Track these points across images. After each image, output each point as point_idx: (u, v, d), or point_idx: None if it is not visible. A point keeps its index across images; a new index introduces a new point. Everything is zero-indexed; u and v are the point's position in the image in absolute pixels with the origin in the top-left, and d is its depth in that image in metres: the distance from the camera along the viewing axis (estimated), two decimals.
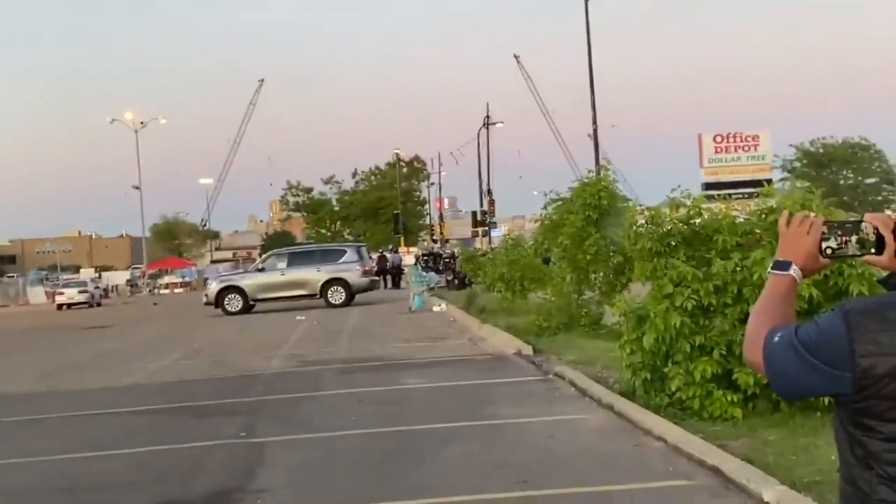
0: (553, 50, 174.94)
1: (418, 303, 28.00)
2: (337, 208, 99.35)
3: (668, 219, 9.91)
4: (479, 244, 55.63)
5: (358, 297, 32.36)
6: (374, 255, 47.82)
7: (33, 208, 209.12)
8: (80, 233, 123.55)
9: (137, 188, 73.59)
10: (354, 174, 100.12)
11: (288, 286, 31.84)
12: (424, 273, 32.47)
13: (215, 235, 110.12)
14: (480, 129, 63.13)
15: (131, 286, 72.78)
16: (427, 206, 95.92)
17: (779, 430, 7.76)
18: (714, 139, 52.80)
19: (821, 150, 76.90)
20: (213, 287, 32.90)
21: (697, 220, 9.69)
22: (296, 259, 33.25)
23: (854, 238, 2.05)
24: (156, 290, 67.91)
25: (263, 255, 38.95)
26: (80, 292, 51.63)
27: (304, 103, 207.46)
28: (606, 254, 16.58)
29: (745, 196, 29.80)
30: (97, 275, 74.22)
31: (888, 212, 2.13)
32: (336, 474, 7.98)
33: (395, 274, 47.64)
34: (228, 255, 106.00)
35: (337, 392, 12.59)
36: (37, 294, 64.17)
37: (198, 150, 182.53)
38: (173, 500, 7.54)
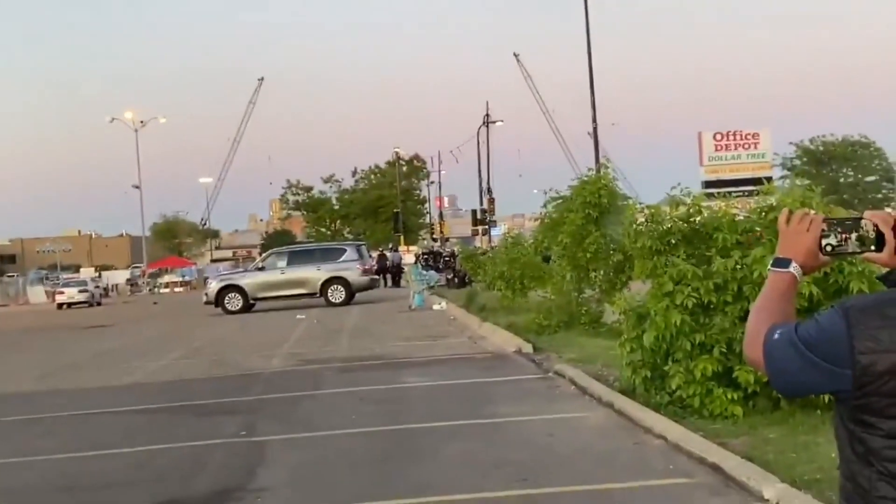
0: (553, 49, 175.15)
1: (418, 301, 28.01)
2: (337, 207, 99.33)
3: (669, 217, 9.91)
4: (479, 243, 55.62)
5: (358, 296, 32.36)
6: (374, 254, 47.82)
7: (33, 208, 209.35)
8: (79, 232, 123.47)
9: (137, 187, 73.65)
10: (354, 173, 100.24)
11: (288, 285, 31.84)
12: (424, 271, 32.47)
13: (215, 234, 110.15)
14: (480, 128, 63.12)
15: (131, 285, 72.78)
16: (427, 205, 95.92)
17: (779, 427, 7.76)
18: (714, 137, 52.73)
19: (821, 148, 76.95)
20: (213, 286, 32.89)
21: (697, 218, 9.69)
22: (296, 258, 33.25)
23: (854, 235, 2.05)
24: (156, 290, 67.91)
25: (263, 254, 38.95)
26: (81, 292, 51.65)
27: (303, 102, 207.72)
28: (606, 252, 16.58)
29: (745, 194, 29.81)
30: (97, 274, 74.25)
31: (888, 209, 2.13)
32: (336, 473, 7.98)
33: (395, 273, 47.64)
34: (228, 254, 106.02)
35: (337, 391, 12.58)
36: (37, 293, 64.18)
37: (197, 150, 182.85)
38: (174, 499, 7.54)
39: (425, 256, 50.73)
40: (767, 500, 6.07)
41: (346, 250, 33.82)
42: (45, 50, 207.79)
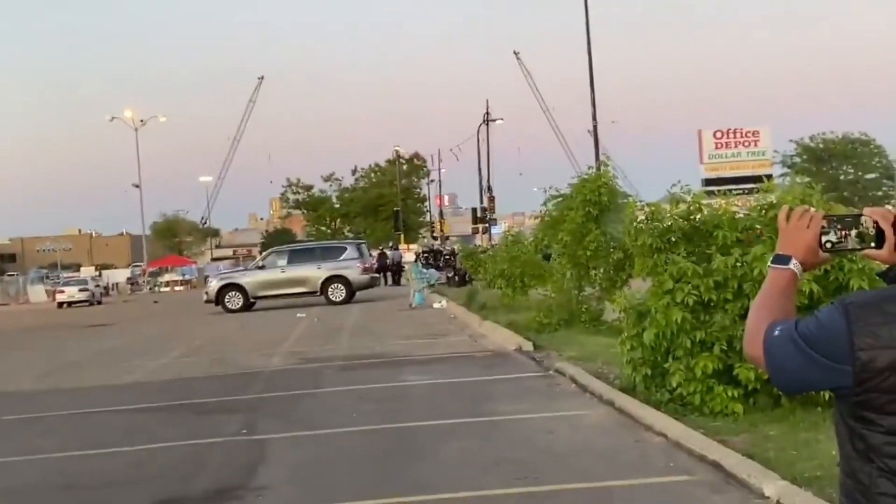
0: (553, 48, 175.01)
1: (419, 300, 28.01)
2: (337, 205, 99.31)
3: (669, 215, 9.90)
4: (480, 241, 55.60)
5: (358, 295, 32.36)
6: (375, 253, 47.82)
7: (33, 207, 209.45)
8: (80, 231, 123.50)
9: (137, 186, 73.58)
10: (354, 171, 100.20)
11: (288, 283, 31.83)
12: (425, 270, 32.49)
13: (215, 233, 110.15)
14: (480, 126, 63.14)
15: (132, 284, 72.76)
16: (427, 203, 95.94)
17: (779, 425, 7.76)
18: (714, 135, 52.72)
19: (821, 146, 76.92)
20: (214, 285, 32.90)
21: (698, 216, 9.68)
22: (296, 256, 33.25)
23: (854, 232, 2.05)
24: (156, 289, 67.91)
25: (264, 253, 38.95)
26: (81, 291, 51.61)
27: (303, 102, 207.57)
28: (606, 250, 16.58)
29: (745, 192, 29.77)
30: (97, 273, 74.22)
31: (888, 206, 2.13)
32: (337, 471, 7.98)
33: (395, 271, 47.65)
34: (229, 252, 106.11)
35: (337, 389, 12.59)
36: (37, 292, 64.15)
37: (198, 149, 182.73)
38: (174, 497, 7.54)
39: (425, 255, 50.72)
40: (768, 498, 6.07)
41: (346, 249, 33.83)
42: (45, 50, 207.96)
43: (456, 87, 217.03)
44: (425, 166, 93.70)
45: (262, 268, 32.92)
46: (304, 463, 8.41)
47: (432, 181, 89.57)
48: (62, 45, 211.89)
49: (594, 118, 36.35)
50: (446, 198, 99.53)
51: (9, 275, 79.07)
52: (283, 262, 32.68)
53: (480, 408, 10.33)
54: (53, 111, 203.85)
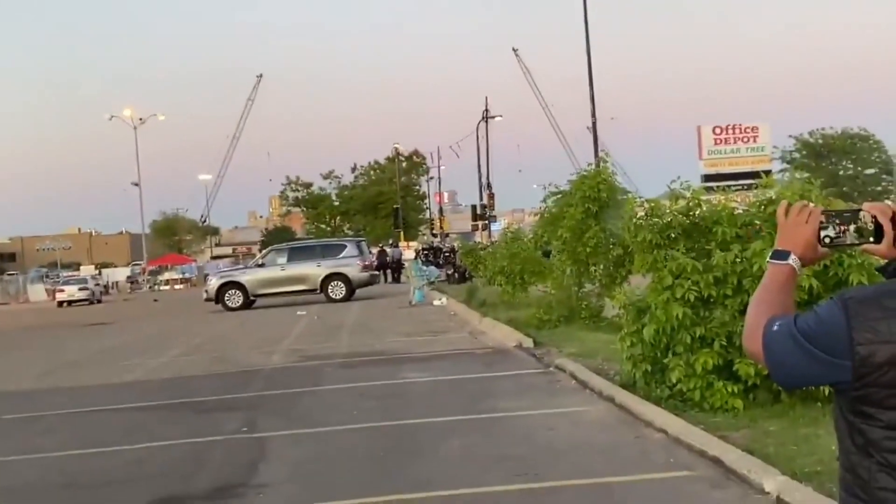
0: (552, 46, 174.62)
1: (419, 297, 28.02)
2: (336, 203, 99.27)
3: (668, 211, 9.90)
4: (479, 238, 55.55)
5: (358, 292, 32.36)
6: (374, 250, 47.81)
7: (33, 206, 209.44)
8: (79, 230, 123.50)
9: (137, 185, 73.49)
10: (354, 169, 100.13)
11: (288, 281, 31.83)
12: (424, 267, 32.51)
13: (215, 231, 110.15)
14: (479, 123, 63.11)
15: (131, 283, 72.79)
16: (427, 201, 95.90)
17: (779, 420, 7.76)
18: (713, 131, 52.64)
19: (820, 141, 76.89)
20: (214, 283, 32.90)
21: (697, 212, 9.68)
22: (296, 254, 33.25)
23: (852, 227, 2.05)
24: (156, 287, 67.91)
25: (263, 251, 38.94)
26: (81, 289, 51.60)
27: (302, 99, 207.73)
28: (606, 246, 16.57)
29: (745, 187, 29.77)
30: (97, 272, 74.24)
31: (887, 201, 2.13)
32: (337, 468, 7.98)
33: (395, 268, 47.67)
34: (228, 250, 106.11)
35: (338, 387, 12.59)
36: (37, 292, 64.16)
37: (197, 147, 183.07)
38: (174, 496, 7.54)
39: (425, 252, 50.72)
40: (768, 493, 6.07)
41: (346, 246, 33.83)
42: (45, 50, 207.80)
43: (455, 86, 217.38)
44: (425, 163, 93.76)
45: (261, 266, 32.94)
46: (305, 460, 8.41)
47: (432, 178, 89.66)
48: (62, 45, 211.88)
49: (593, 115, 36.37)
50: (446, 195, 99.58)
51: (9, 274, 79.08)
52: (282, 259, 32.67)
53: (481, 405, 10.33)
54: (53, 111, 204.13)
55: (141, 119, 72.77)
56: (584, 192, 16.75)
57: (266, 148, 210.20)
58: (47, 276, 74.36)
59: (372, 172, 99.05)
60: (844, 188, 68.65)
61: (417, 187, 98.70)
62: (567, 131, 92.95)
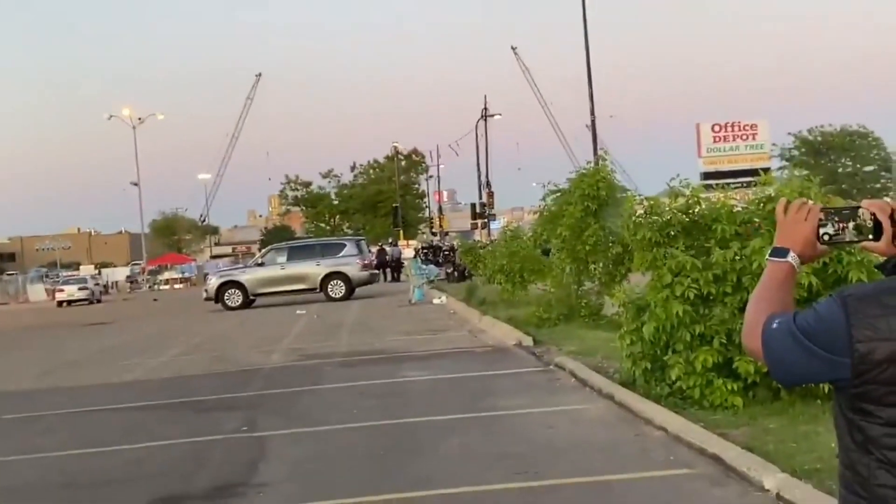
0: (550, 44, 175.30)
1: (418, 295, 28.02)
2: (336, 202, 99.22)
3: (668, 209, 9.90)
4: (479, 236, 55.56)
5: (358, 291, 32.37)
6: (374, 249, 47.81)
7: (32, 206, 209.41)
8: (79, 230, 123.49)
9: (136, 185, 73.45)
10: (353, 168, 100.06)
11: (288, 280, 31.83)
12: (424, 266, 32.52)
13: (214, 231, 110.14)
14: (478, 122, 63.11)
15: (131, 282, 72.78)
16: (426, 199, 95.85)
17: (779, 418, 7.76)
18: (712, 128, 52.60)
19: (819, 139, 76.87)
20: (213, 282, 32.90)
21: (696, 210, 9.68)
22: (295, 253, 33.24)
23: (851, 224, 2.05)
24: (155, 287, 67.89)
25: (263, 250, 38.94)
26: (80, 289, 51.58)
27: (301, 99, 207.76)
28: (605, 244, 16.57)
29: (744, 185, 29.75)
30: (97, 271, 74.22)
31: (886, 199, 2.13)
32: (337, 467, 7.98)
33: (394, 267, 47.68)
34: (228, 250, 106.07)
35: (337, 385, 12.60)
36: (37, 291, 64.15)
37: (196, 147, 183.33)
38: (174, 495, 7.54)
39: (425, 251, 50.70)
40: (768, 491, 6.07)
41: (345, 245, 33.85)
42: (45, 50, 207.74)
43: (454, 84, 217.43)
44: (424, 162, 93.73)
45: (261, 265, 32.95)
46: (305, 459, 8.41)
47: (431, 177, 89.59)
48: (62, 45, 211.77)
49: (592, 112, 36.36)
50: (445, 193, 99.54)
51: (8, 274, 79.07)
52: (282, 259, 32.67)
53: (480, 403, 10.33)
54: (53, 111, 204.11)
55: (140, 119, 72.78)
56: (584, 190, 16.74)
57: (265, 147, 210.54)
58: (47, 276, 74.36)
59: (371, 171, 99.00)
60: (843, 185, 68.70)
61: (416, 186, 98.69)
62: (566, 129, 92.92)
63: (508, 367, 12.97)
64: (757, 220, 9.02)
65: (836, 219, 2.06)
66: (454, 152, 78.52)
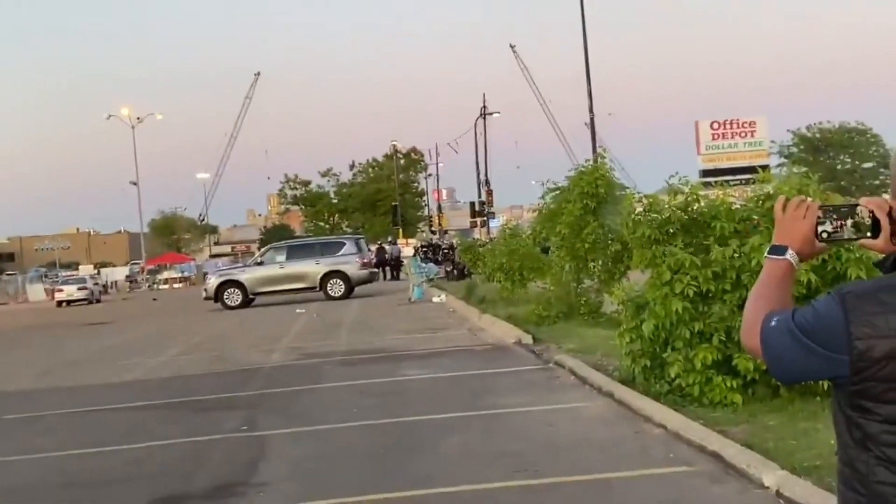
0: (549, 43, 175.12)
1: (418, 294, 28.02)
2: (335, 201, 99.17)
3: (667, 206, 9.90)
4: (478, 234, 55.57)
5: (357, 290, 32.37)
6: (373, 247, 47.80)
7: (31, 206, 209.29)
8: (78, 230, 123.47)
9: (135, 184, 73.43)
10: (352, 166, 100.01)
11: (287, 279, 31.83)
12: (423, 264, 32.48)
13: (213, 230, 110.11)
14: (477, 120, 63.10)
15: (130, 282, 72.75)
16: (425, 198, 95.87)
17: (778, 415, 7.77)
18: (711, 126, 52.64)
19: (817, 136, 76.81)
20: (213, 281, 32.90)
21: (695, 207, 9.68)
22: (295, 252, 33.24)
23: (849, 222, 2.05)
24: (155, 286, 67.86)
25: (262, 249, 38.94)
26: (80, 289, 51.56)
27: (300, 98, 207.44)
28: (605, 242, 16.57)
29: (743, 182, 29.77)
30: (96, 271, 74.18)
31: (885, 196, 2.14)
32: (338, 466, 7.98)
33: (394, 266, 47.68)
34: (227, 249, 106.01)
35: (337, 384, 12.60)
36: (36, 291, 64.16)
37: (195, 146, 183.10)
38: (174, 495, 7.54)
39: (424, 249, 50.66)
40: (767, 488, 6.08)
41: (344, 244, 33.84)
42: (45, 50, 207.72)
43: (453, 83, 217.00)
44: (423, 161, 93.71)
45: (260, 264, 32.95)
46: (305, 459, 8.41)
47: (430, 175, 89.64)
48: (62, 45, 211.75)
49: (591, 110, 36.36)
50: (444, 192, 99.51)
51: (7, 274, 79.07)
52: (281, 258, 32.66)
53: (480, 401, 10.34)
54: (53, 111, 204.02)
55: (139, 118, 72.78)
56: (583, 188, 16.74)
57: (264, 146, 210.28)
58: (46, 276, 74.36)
59: (370, 170, 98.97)
60: (842, 182, 68.67)
61: (416, 184, 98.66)
62: (565, 127, 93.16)
63: (508, 366, 12.97)
64: (756, 217, 9.02)
65: (835, 216, 2.06)
66: (453, 151, 78.71)
